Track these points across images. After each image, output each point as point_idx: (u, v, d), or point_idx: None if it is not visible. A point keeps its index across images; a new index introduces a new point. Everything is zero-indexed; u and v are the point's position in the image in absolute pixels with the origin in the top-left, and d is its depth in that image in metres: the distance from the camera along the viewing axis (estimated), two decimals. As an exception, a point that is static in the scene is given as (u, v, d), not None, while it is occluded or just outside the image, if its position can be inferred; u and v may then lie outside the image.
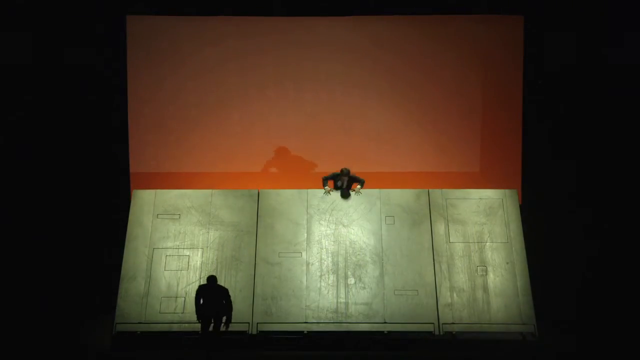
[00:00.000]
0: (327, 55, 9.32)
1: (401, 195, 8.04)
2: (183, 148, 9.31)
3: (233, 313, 6.87)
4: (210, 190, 8.12)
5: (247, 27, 9.29)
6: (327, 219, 7.89)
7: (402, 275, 7.61)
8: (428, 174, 9.26)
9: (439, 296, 7.51)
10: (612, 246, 8.69)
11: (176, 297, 7.48)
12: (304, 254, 7.74)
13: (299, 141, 9.37)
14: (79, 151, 9.06)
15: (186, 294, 7.48)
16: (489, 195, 8.05)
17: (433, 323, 7.38)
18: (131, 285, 7.53)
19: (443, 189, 8.14)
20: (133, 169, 9.24)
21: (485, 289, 7.55)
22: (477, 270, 7.64)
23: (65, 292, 8.52)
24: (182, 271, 7.62)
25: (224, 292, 6.88)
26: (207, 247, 7.76)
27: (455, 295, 7.52)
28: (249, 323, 7.37)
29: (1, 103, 8.79)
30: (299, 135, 9.36)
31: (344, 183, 8.04)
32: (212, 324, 6.85)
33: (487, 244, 7.77)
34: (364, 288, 7.57)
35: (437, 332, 7.35)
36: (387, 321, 7.41)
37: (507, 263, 7.66)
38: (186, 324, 7.34)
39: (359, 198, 7.98)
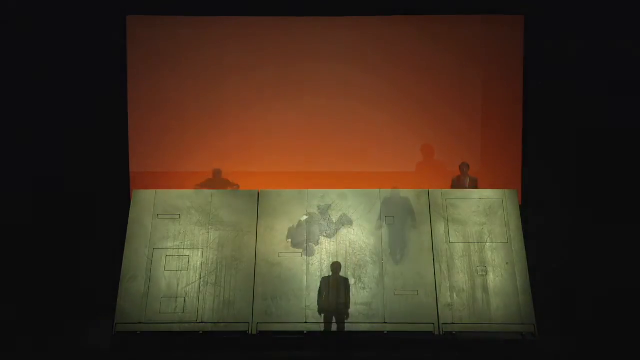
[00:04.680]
0: (327, 55, 9.32)
1: (401, 195, 8.05)
2: (183, 148, 9.31)
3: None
4: (210, 190, 8.13)
5: (247, 27, 9.30)
6: (327, 219, 7.88)
7: (402, 275, 7.62)
8: (428, 174, 9.27)
9: (439, 296, 7.51)
10: (613, 246, 8.68)
11: (176, 297, 7.48)
12: (303, 254, 7.75)
13: (299, 141, 9.37)
14: (79, 151, 9.06)
15: (186, 294, 7.49)
16: (489, 195, 8.05)
17: (433, 323, 7.38)
18: (131, 285, 7.53)
19: (443, 189, 8.14)
20: (133, 169, 9.24)
21: (485, 289, 7.54)
22: (477, 270, 7.64)
23: (65, 292, 8.52)
24: (182, 271, 7.63)
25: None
26: (207, 247, 7.76)
27: (455, 295, 7.52)
28: (249, 323, 7.37)
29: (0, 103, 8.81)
30: (299, 135, 9.36)
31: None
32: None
33: (487, 244, 7.76)
34: (364, 288, 7.57)
35: (437, 332, 7.34)
36: (387, 321, 7.41)
37: (507, 263, 7.66)
38: (186, 324, 7.35)
39: (359, 198, 7.98)
